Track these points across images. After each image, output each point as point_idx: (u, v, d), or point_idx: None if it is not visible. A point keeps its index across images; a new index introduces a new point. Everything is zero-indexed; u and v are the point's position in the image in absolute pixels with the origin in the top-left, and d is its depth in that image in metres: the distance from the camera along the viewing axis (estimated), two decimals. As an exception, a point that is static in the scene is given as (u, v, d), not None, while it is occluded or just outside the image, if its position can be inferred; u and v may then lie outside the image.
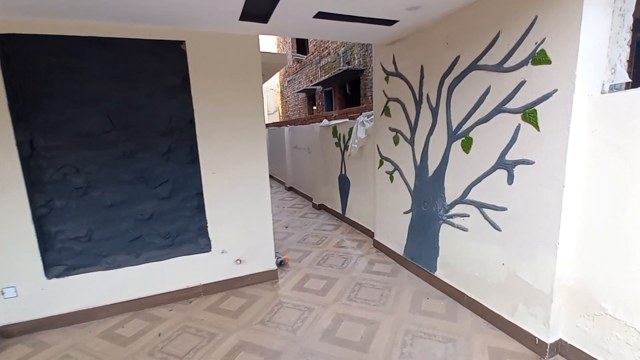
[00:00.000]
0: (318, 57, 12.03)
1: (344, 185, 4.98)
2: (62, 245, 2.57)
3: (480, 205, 2.38)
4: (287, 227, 4.92)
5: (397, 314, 2.55)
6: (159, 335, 2.42)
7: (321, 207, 5.93)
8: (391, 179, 3.46)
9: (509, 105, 2.08)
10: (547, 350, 1.99)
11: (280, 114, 17.97)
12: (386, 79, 3.37)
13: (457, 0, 2.20)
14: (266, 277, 3.18)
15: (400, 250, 3.41)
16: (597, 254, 1.80)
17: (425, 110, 2.85)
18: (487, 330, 2.31)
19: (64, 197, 2.50)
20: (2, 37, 2.20)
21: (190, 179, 2.81)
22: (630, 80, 1.77)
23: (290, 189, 7.88)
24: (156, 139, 2.66)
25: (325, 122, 5.37)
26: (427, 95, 2.79)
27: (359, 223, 4.59)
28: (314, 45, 12.26)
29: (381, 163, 3.63)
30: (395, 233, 3.49)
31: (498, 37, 2.11)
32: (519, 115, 2.02)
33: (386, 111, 3.43)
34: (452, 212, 2.66)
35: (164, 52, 2.57)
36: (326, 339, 2.29)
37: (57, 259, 2.56)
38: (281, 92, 17.72)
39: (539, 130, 1.92)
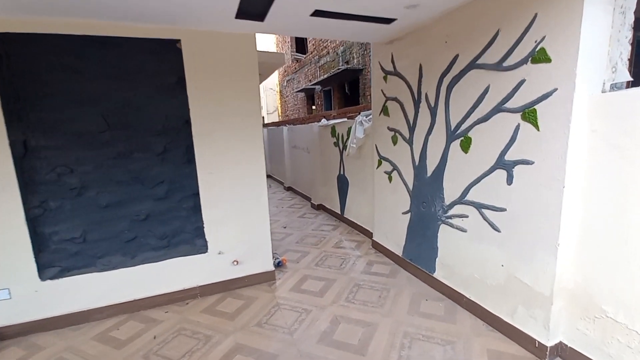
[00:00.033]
0: (317, 57, 12.00)
1: (343, 185, 4.96)
2: (57, 246, 2.53)
3: (479, 206, 2.35)
4: (285, 228, 4.90)
5: (395, 316, 2.52)
6: (155, 337, 2.39)
7: (320, 207, 5.90)
8: (390, 179, 3.44)
9: (508, 105, 2.06)
10: (547, 353, 1.97)
11: (280, 114, 17.94)
12: (385, 78, 3.34)
13: (455, -2, 2.17)
14: (263, 279, 3.15)
15: (399, 251, 3.39)
16: (598, 255, 1.77)
17: (423, 110, 2.82)
18: (487, 333, 2.28)
19: (58, 197, 2.47)
20: (-5, 35, 2.17)
21: (187, 180, 2.78)
22: (632, 79, 1.74)
23: (289, 189, 7.85)
24: (152, 138, 2.63)
25: (324, 121, 5.34)
26: (426, 94, 2.77)
27: (358, 223, 4.56)
28: (313, 44, 12.23)
29: (380, 163, 3.60)
30: (394, 234, 3.46)
31: (497, 36, 2.08)
32: (518, 115, 1.99)
33: (385, 111, 3.40)
34: (451, 212, 2.63)
35: (159, 51, 2.54)
36: (323, 342, 2.26)
37: (52, 260, 2.53)
38: (280, 91, 17.69)
39: (538, 129, 1.89)
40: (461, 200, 2.50)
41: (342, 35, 3.04)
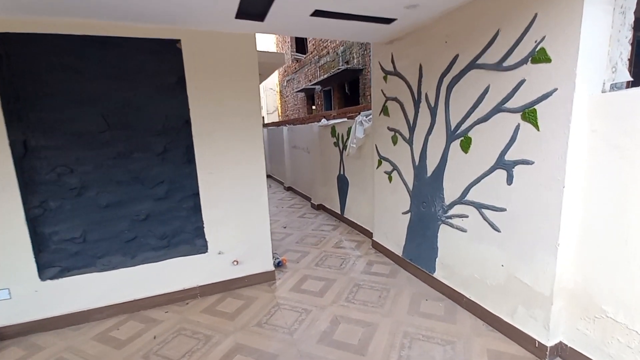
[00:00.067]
0: (317, 57, 12.00)
1: (343, 185, 4.96)
2: (57, 246, 2.54)
3: (479, 206, 2.35)
4: (285, 228, 4.89)
5: (395, 316, 2.52)
6: (154, 337, 2.39)
7: (320, 207, 5.90)
8: (390, 179, 3.43)
9: (508, 105, 2.05)
10: (547, 353, 1.97)
11: (280, 114, 17.94)
12: (385, 78, 3.34)
13: (455, -2, 2.17)
14: (263, 279, 3.15)
15: (399, 251, 3.38)
16: (598, 255, 1.77)
17: (423, 110, 2.82)
18: (487, 333, 2.28)
19: (58, 197, 2.47)
20: (-5, 35, 2.17)
21: (187, 180, 2.78)
22: (632, 79, 1.74)
23: (289, 189, 7.85)
24: (152, 138, 2.63)
25: (323, 121, 5.34)
26: (426, 94, 2.76)
27: (358, 223, 4.56)
28: (313, 44, 12.22)
29: (380, 163, 3.60)
30: (394, 234, 3.46)
31: (497, 36, 2.08)
32: (518, 115, 1.99)
33: (385, 111, 3.40)
34: (451, 212, 2.63)
35: (159, 51, 2.54)
36: (323, 342, 2.26)
37: (52, 260, 2.53)
38: (280, 91, 17.69)
39: (538, 129, 1.89)
40: (461, 200, 2.50)
41: (342, 35, 3.04)
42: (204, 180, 2.80)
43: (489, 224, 2.28)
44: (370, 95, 3.92)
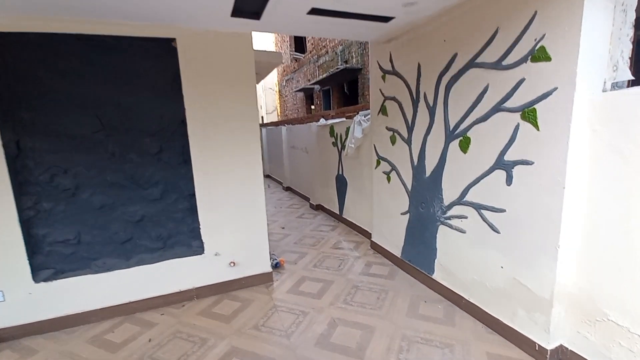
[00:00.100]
0: (316, 56, 11.96)
1: (341, 185, 4.92)
2: (51, 248, 2.50)
3: (478, 207, 2.32)
4: (283, 228, 4.86)
5: (393, 319, 2.49)
6: (150, 340, 2.36)
7: (318, 208, 5.87)
8: (388, 179, 3.40)
9: (507, 104, 2.02)
10: (548, 356, 1.94)
11: (279, 113, 17.90)
12: (383, 77, 3.31)
13: (454, -4, 2.14)
14: (261, 280, 3.11)
15: (397, 252, 3.35)
16: (599, 258, 1.74)
17: (422, 109, 2.79)
18: (486, 336, 2.25)
19: (52, 198, 2.44)
20: (-15, 34, 2.14)
21: (182, 180, 2.75)
22: (633, 78, 1.70)
23: (288, 189, 7.81)
24: (147, 139, 2.59)
25: (322, 121, 5.31)
26: (425, 94, 2.73)
27: (356, 224, 4.53)
28: (312, 43, 12.18)
29: (378, 163, 3.56)
30: (392, 234, 3.43)
31: (496, 34, 2.05)
32: (518, 115, 1.96)
33: (383, 110, 3.37)
34: (449, 213, 2.60)
35: (154, 50, 2.50)
36: (320, 345, 2.23)
37: (45, 262, 2.50)
38: (279, 91, 17.65)
39: (538, 129, 1.86)
40: (460, 201, 2.47)
41: (339, 34, 3.01)
42: (200, 181, 2.77)
43: (489, 225, 2.24)
44: (369, 94, 3.89)
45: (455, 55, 2.37)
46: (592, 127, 1.71)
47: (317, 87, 12.22)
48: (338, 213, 5.10)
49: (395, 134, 3.19)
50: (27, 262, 2.41)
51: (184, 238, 2.83)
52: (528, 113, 1.90)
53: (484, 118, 2.19)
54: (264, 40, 16.01)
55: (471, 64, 2.24)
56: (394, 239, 3.40)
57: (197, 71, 2.61)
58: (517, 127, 1.98)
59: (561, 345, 1.96)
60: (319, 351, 2.17)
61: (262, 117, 19.28)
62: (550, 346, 1.93)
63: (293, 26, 2.64)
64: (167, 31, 2.48)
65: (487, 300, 2.34)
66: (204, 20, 2.37)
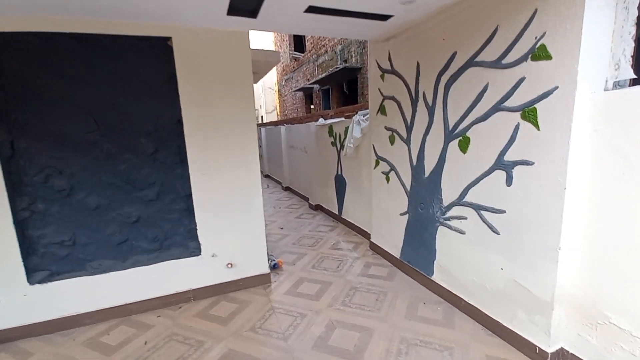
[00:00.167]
0: (315, 55, 11.93)
1: (340, 185, 4.89)
2: (45, 249, 2.48)
3: (478, 208, 2.29)
4: (282, 229, 4.83)
5: (392, 321, 2.46)
6: (145, 343, 2.33)
7: (317, 208, 5.84)
8: (387, 179, 3.37)
9: (507, 104, 1.99)
10: (548, 359, 1.91)
11: (278, 113, 17.87)
12: (382, 76, 3.28)
13: (453, -6, 2.11)
14: (258, 282, 3.09)
15: (396, 253, 3.33)
16: (601, 260, 1.71)
17: (421, 109, 2.75)
18: (486, 338, 2.22)
19: (46, 199, 2.42)
20: (-23, 33, 2.11)
21: (179, 181, 2.72)
22: (635, 77, 1.67)
23: (287, 189, 7.79)
24: (142, 139, 2.56)
25: (321, 121, 5.28)
26: (424, 93, 2.70)
27: (355, 224, 4.50)
28: (311, 43, 12.15)
29: (377, 163, 3.53)
30: (391, 235, 3.40)
31: (496, 32, 2.01)
32: (518, 114, 1.93)
33: (382, 110, 3.34)
34: (449, 214, 2.57)
35: (150, 49, 2.47)
36: (318, 348, 2.20)
37: (40, 264, 2.47)
38: (279, 90, 17.62)
39: (539, 129, 1.83)
40: (459, 201, 2.44)
41: (337, 33, 2.98)
42: (196, 181, 2.74)
43: (488, 226, 2.21)
44: (368, 94, 3.86)
45: (454, 54, 2.34)
46: (593, 126, 1.67)
47: (316, 86, 12.20)
48: (337, 213, 5.07)
49: (394, 133, 3.15)
50: (22, 263, 2.38)
51: (181, 239, 2.80)
52: (528, 112, 1.87)
53: (483, 118, 2.16)
54: (263, 40, 15.98)
55: (470, 62, 2.21)
56: (393, 239, 3.37)
57: (193, 70, 2.58)
58: (517, 127, 1.94)
59: (562, 349, 1.93)
60: (317, 354, 2.14)
61: (262, 117, 19.26)
62: (550, 349, 1.91)
63: (290, 25, 2.61)
64: (162, 30, 2.45)
65: (487, 302, 2.31)
66: (200, 18, 2.34)
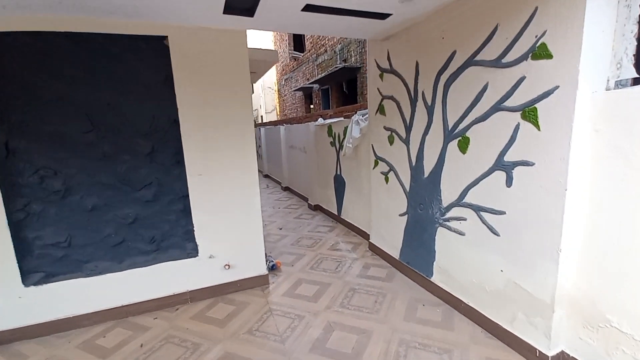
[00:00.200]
0: (315, 55, 11.89)
1: (339, 185, 4.87)
2: (41, 251, 2.45)
3: (477, 209, 2.26)
4: (281, 229, 4.81)
5: (391, 323, 2.44)
6: (141, 346, 2.31)
7: (317, 208, 5.81)
8: (386, 180, 3.35)
9: (507, 103, 1.96)
10: (549, 362, 1.89)
11: (278, 113, 17.84)
12: (381, 76, 3.25)
13: (452, -8, 2.08)
14: (256, 283, 3.06)
15: (395, 254, 3.30)
16: (602, 262, 1.68)
17: (420, 109, 2.73)
18: (486, 341, 2.19)
19: (42, 200, 2.39)
20: (-30, 32, 2.08)
21: (176, 182, 2.69)
22: (638, 76, 1.65)
23: (286, 189, 7.76)
24: (139, 139, 2.54)
25: (320, 120, 5.25)
26: (423, 92, 2.67)
27: (355, 225, 4.47)
28: (311, 42, 12.12)
29: (376, 163, 3.51)
30: (390, 236, 3.37)
31: (496, 31, 1.99)
32: (518, 114, 1.90)
33: (381, 109, 3.31)
34: (448, 215, 2.54)
35: (146, 48, 2.45)
36: (316, 351, 2.17)
37: (36, 265, 2.45)
38: (278, 90, 17.58)
39: (539, 129, 1.80)
40: (459, 202, 2.41)
41: (335, 32, 2.95)
42: (193, 181, 2.71)
43: (488, 227, 2.19)
44: (367, 93, 3.83)
45: (454, 53, 2.31)
46: (594, 126, 1.65)
47: (316, 86, 12.16)
48: (336, 214, 5.04)
49: (393, 133, 3.13)
50: (17, 265, 2.36)
51: (178, 240, 2.77)
52: (528, 112, 1.84)
53: (483, 117, 2.14)
54: (263, 39, 15.95)
55: (470, 62, 2.19)
56: (392, 240, 3.35)
57: (189, 70, 2.56)
58: (517, 127, 1.92)
59: (562, 352, 1.91)
60: (315, 357, 2.12)
61: (262, 117, 19.22)
62: (551, 352, 1.88)
63: (288, 23, 2.58)
64: (158, 29, 2.42)
65: (487, 304, 2.28)
66: (196, 17, 2.31)
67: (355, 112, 4.08)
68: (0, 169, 2.25)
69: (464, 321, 2.41)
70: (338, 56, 10.13)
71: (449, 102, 2.42)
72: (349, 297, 2.82)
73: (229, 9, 2.17)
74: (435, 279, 2.76)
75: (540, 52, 1.75)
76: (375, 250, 3.71)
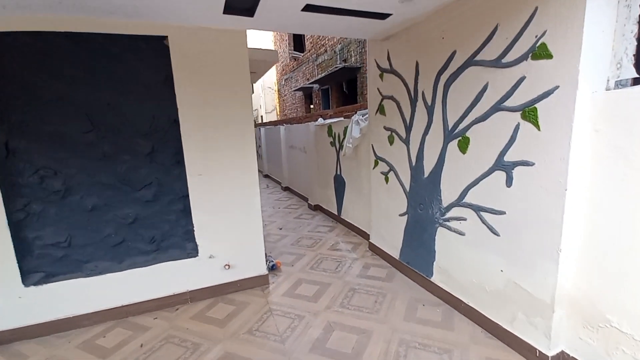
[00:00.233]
0: (315, 55, 11.89)
1: (339, 185, 4.87)
2: (41, 251, 2.45)
3: (477, 209, 2.26)
4: (281, 229, 4.81)
5: (391, 323, 2.44)
6: (141, 346, 2.31)
7: (317, 208, 5.81)
8: (386, 180, 3.35)
9: (507, 103, 1.96)
10: (549, 362, 1.89)
11: (278, 113, 17.84)
12: (381, 76, 3.25)
13: (452, -8, 2.08)
14: (256, 283, 3.06)
15: (395, 254, 3.30)
16: (603, 262, 1.68)
17: (420, 109, 2.73)
18: (486, 341, 2.19)
19: (42, 200, 2.39)
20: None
21: (176, 182, 2.69)
22: (638, 76, 1.65)
23: (286, 189, 7.76)
24: (139, 139, 2.54)
25: (320, 120, 5.25)
26: (423, 92, 2.67)
27: (355, 225, 4.47)
28: (311, 42, 12.12)
29: (376, 163, 3.51)
30: (390, 236, 3.37)
31: (496, 31, 1.98)
32: (518, 114, 1.90)
33: (381, 109, 3.31)
34: (448, 215, 2.54)
35: (146, 48, 2.45)
36: (316, 351, 2.17)
37: (36, 265, 2.45)
38: (278, 90, 17.58)
39: (539, 129, 1.80)
40: (459, 202, 2.41)
41: (335, 32, 2.95)
42: (193, 181, 2.71)
43: (488, 227, 2.19)
44: (367, 93, 3.84)
45: (453, 53, 2.31)
46: (594, 126, 1.65)
47: (316, 86, 12.16)
48: (336, 214, 5.04)
49: (393, 133, 3.13)
50: (17, 265, 2.36)
51: (178, 240, 2.77)
52: (528, 112, 1.84)
53: (483, 117, 2.14)
54: (263, 39, 15.95)
55: (470, 62, 2.19)
56: (392, 240, 3.35)
57: (189, 70, 2.56)
58: (517, 127, 1.92)
59: (562, 352, 1.91)
60: (315, 357, 2.12)
61: (262, 117, 19.22)
62: (551, 352, 1.88)
63: (288, 23, 2.58)
64: (158, 29, 2.42)
65: (487, 304, 2.28)
66: (196, 17, 2.31)
67: (355, 112, 4.08)
68: (0, 169, 2.25)
69: (464, 321, 2.41)
70: (338, 56, 10.13)
71: (449, 102, 2.42)
72: (349, 297, 2.82)
73: (229, 9, 2.17)
74: (435, 279, 2.76)
75: (540, 52, 1.75)
76: (375, 250, 3.71)
